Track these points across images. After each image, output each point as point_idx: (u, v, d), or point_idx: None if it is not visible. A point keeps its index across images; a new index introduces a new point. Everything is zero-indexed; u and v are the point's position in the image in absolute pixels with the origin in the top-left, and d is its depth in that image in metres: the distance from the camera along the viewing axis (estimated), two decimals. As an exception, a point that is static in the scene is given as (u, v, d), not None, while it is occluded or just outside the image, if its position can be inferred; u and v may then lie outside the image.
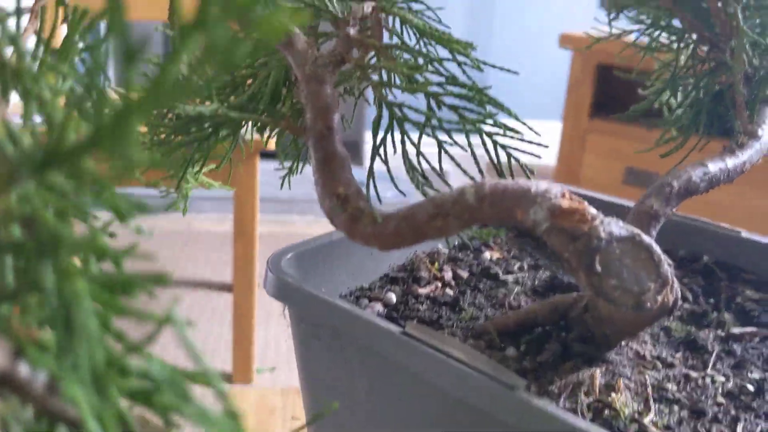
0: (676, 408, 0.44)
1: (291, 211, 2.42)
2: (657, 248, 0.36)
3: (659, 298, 0.36)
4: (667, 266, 0.37)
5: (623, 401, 0.43)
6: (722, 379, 0.47)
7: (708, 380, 0.47)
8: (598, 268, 0.35)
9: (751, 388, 0.46)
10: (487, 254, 0.65)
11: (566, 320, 0.49)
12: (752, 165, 0.50)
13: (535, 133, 0.39)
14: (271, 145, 0.66)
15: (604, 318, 0.42)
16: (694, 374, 0.47)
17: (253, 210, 1.43)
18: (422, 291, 0.57)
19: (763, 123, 0.51)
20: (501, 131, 0.40)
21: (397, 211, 0.39)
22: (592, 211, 0.36)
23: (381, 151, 0.45)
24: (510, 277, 0.60)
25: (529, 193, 0.36)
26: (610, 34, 0.62)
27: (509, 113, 0.39)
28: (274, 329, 1.69)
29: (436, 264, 0.61)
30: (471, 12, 3.16)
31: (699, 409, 0.43)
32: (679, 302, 0.39)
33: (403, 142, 0.40)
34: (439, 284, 0.58)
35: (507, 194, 0.36)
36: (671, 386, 0.45)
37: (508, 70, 0.40)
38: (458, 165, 0.41)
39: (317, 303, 0.46)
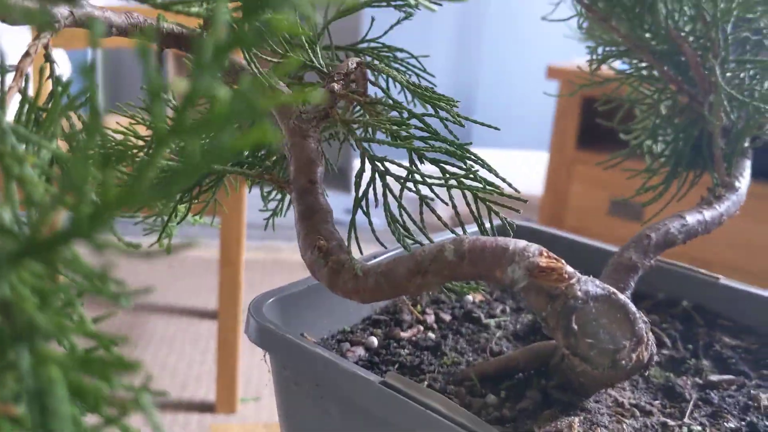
0: (652, 460, 0.44)
1: (277, 237, 2.42)
2: (632, 306, 0.37)
3: (634, 356, 0.37)
4: (642, 323, 0.37)
5: (600, 453, 0.43)
6: (698, 429, 0.48)
7: (685, 429, 0.47)
8: (575, 327, 0.35)
9: (726, 438, 0.47)
10: (470, 296, 0.65)
11: (547, 367, 0.50)
12: (729, 217, 0.51)
13: (516, 190, 0.40)
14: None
15: (580, 373, 0.42)
16: (671, 423, 0.48)
17: (239, 237, 1.43)
18: (404, 335, 0.57)
19: (740, 175, 0.52)
20: (482, 185, 0.40)
21: (377, 265, 0.39)
22: (569, 269, 0.36)
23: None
24: (492, 321, 0.61)
25: (508, 251, 0.36)
26: (591, 81, 0.63)
27: (490, 170, 0.39)
28: (258, 358, 1.68)
29: (419, 306, 0.62)
30: (459, 41, 3.19)
31: (675, 461, 0.44)
32: (655, 358, 0.39)
33: (384, 195, 0.41)
34: (421, 327, 0.59)
35: (486, 252, 0.36)
36: (648, 436, 0.46)
37: (491, 126, 0.41)
38: (439, 218, 0.41)
39: (297, 351, 0.46)
